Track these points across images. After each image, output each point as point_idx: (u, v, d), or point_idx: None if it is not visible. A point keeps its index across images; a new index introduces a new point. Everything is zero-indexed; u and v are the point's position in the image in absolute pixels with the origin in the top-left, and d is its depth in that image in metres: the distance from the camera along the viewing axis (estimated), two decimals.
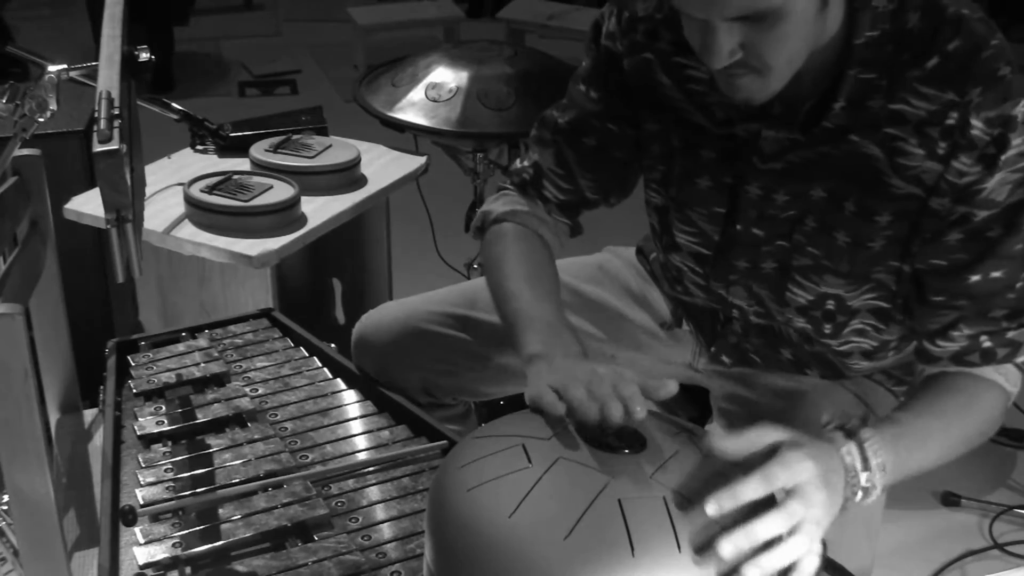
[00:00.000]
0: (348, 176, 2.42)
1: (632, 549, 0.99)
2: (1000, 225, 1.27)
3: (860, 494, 1.16)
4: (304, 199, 2.28)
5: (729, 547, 0.98)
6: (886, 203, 1.31)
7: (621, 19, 1.48)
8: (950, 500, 2.61)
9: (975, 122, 1.22)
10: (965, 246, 1.29)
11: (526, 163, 1.62)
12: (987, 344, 1.31)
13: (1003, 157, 1.23)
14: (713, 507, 0.99)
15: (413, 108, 2.47)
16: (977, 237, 1.28)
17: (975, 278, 1.29)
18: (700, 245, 1.51)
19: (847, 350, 1.50)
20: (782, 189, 1.38)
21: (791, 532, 1.02)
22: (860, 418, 1.50)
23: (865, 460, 1.16)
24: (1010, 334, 1.31)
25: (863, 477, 1.15)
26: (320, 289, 2.80)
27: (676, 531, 1.01)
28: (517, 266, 1.50)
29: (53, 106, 1.68)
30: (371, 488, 1.46)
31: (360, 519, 1.39)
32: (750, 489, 1.01)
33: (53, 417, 1.91)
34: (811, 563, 1.03)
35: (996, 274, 1.28)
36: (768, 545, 1.01)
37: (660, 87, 1.45)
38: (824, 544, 1.12)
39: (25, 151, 1.67)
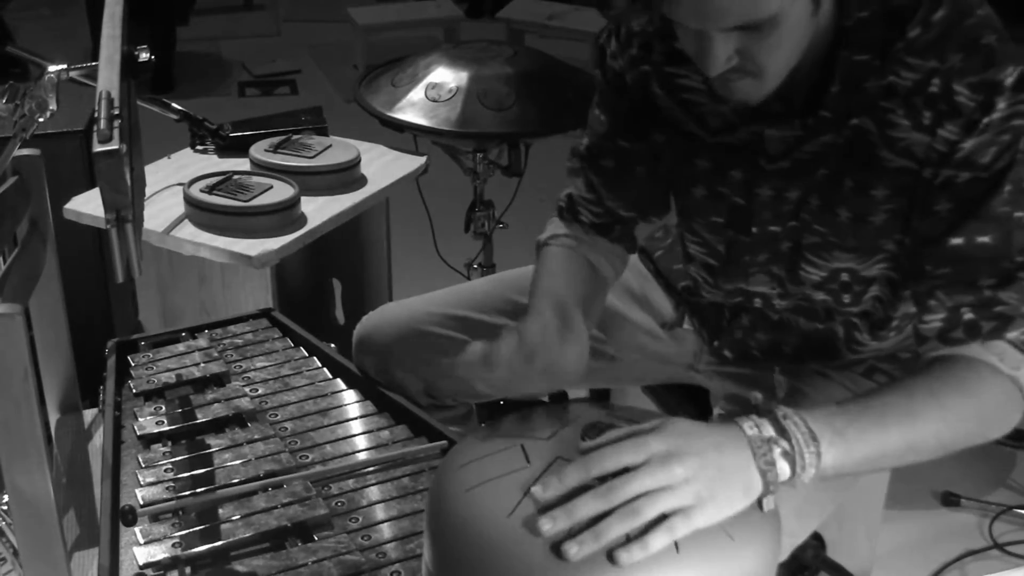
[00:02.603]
0: (348, 176, 2.42)
1: None
2: (984, 185, 1.24)
3: (784, 464, 1.09)
4: (304, 199, 2.28)
5: (549, 523, 0.99)
6: (881, 177, 1.31)
7: (619, 36, 1.49)
8: (950, 500, 2.61)
9: (959, 88, 1.22)
10: (951, 210, 1.26)
11: (564, 193, 1.65)
12: (969, 316, 1.25)
13: (985, 120, 1.22)
14: (538, 488, 1.01)
15: (413, 108, 2.47)
16: (960, 199, 1.25)
17: (957, 240, 1.25)
18: (707, 255, 1.52)
19: (867, 310, 1.49)
20: (792, 186, 1.39)
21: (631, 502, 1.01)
22: (769, 395, 1.48)
23: (781, 429, 1.10)
24: (998, 308, 1.24)
25: (779, 442, 1.09)
26: (320, 289, 2.80)
27: None
28: (542, 281, 1.51)
29: (53, 106, 1.68)
30: (371, 488, 1.46)
31: (360, 519, 1.39)
32: (567, 479, 1.02)
33: (53, 417, 1.91)
34: (682, 524, 1.00)
35: (982, 238, 1.24)
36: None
37: (656, 98, 1.47)
38: (823, 544, 1.12)
39: (25, 151, 1.67)
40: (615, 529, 0.99)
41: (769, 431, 1.09)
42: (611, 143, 1.55)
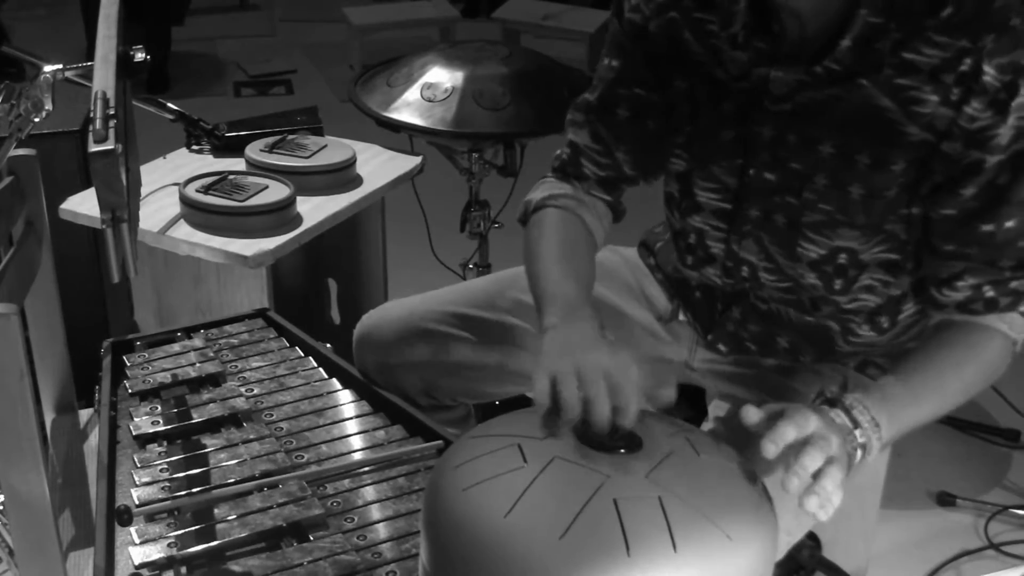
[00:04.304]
0: (343, 176, 2.42)
1: (627, 549, 0.99)
2: (1008, 171, 1.30)
3: (860, 452, 1.24)
4: (299, 199, 2.27)
5: (795, 480, 1.11)
6: (901, 151, 1.34)
7: None
8: (946, 500, 2.61)
9: (987, 68, 1.26)
10: (977, 195, 1.32)
11: (564, 147, 1.65)
12: (990, 294, 1.36)
13: (1014, 103, 1.26)
14: (771, 448, 1.13)
15: (408, 108, 2.47)
16: (988, 185, 1.31)
17: (988, 227, 1.33)
18: (722, 200, 1.52)
19: (855, 308, 1.51)
20: (791, 132, 1.40)
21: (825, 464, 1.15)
22: (840, 386, 1.52)
23: (854, 420, 1.24)
24: (1013, 284, 1.36)
25: (857, 434, 1.24)
26: (316, 289, 2.80)
27: (671, 531, 1.01)
28: (549, 248, 1.52)
29: (49, 106, 1.68)
30: (366, 488, 1.46)
31: (355, 519, 1.39)
32: (790, 432, 1.15)
33: (49, 417, 1.91)
34: (839, 497, 1.14)
35: (1010, 223, 1.33)
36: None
37: (685, 44, 1.48)
38: (819, 543, 1.13)
39: (21, 151, 1.67)
40: (832, 481, 1.13)
41: (848, 422, 1.24)
42: (627, 90, 1.56)
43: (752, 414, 1.18)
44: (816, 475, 1.14)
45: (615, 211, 1.66)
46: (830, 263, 1.45)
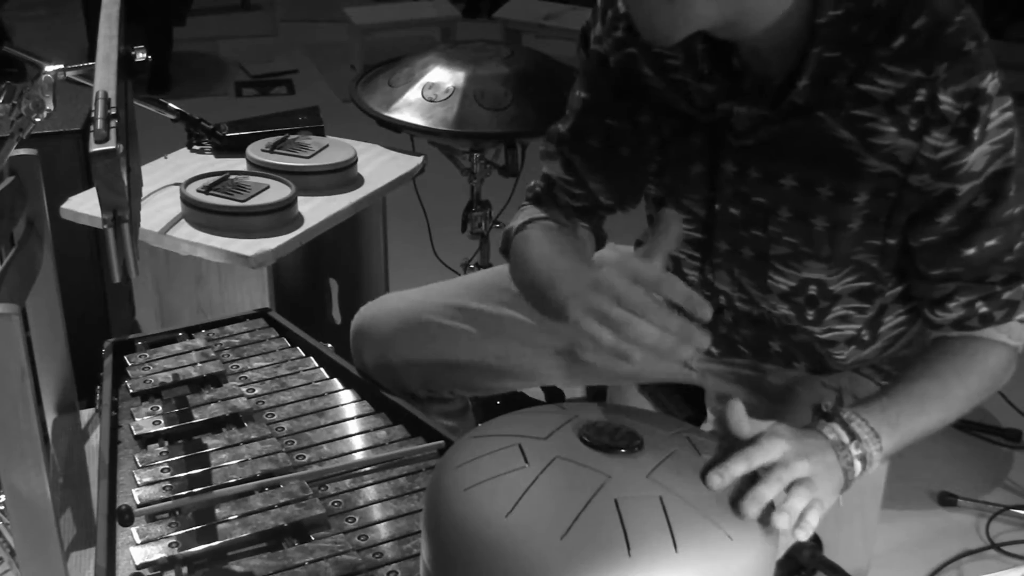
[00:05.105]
0: (345, 176, 2.42)
1: (628, 549, 0.99)
2: (985, 195, 1.30)
3: (858, 464, 1.23)
4: (301, 199, 2.28)
5: (754, 507, 1.07)
6: (862, 183, 1.33)
7: (605, 19, 1.50)
8: (947, 500, 2.61)
9: (944, 97, 1.24)
10: (955, 220, 1.32)
11: (538, 179, 1.64)
12: (983, 309, 1.37)
13: (977, 130, 1.25)
14: (716, 480, 1.08)
15: (410, 108, 2.47)
16: (965, 211, 1.31)
17: (970, 251, 1.33)
18: (694, 230, 1.52)
19: (830, 338, 1.51)
20: (753, 167, 1.40)
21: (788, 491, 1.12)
22: (835, 400, 1.52)
23: (851, 433, 1.24)
24: (1005, 295, 1.36)
25: (852, 447, 1.23)
26: (317, 289, 2.80)
27: (672, 531, 1.01)
28: (542, 250, 1.49)
29: (50, 106, 1.68)
30: (368, 488, 1.46)
31: (357, 519, 1.39)
32: (737, 467, 1.10)
33: (50, 417, 1.91)
34: (814, 516, 1.12)
35: (991, 243, 1.33)
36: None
37: (645, 79, 1.47)
38: (820, 544, 1.13)
39: (22, 151, 1.67)
40: (799, 500, 1.11)
41: (844, 435, 1.23)
42: (597, 122, 1.55)
43: (736, 415, 1.16)
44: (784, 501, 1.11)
45: (596, 237, 1.65)
46: (800, 294, 1.46)
